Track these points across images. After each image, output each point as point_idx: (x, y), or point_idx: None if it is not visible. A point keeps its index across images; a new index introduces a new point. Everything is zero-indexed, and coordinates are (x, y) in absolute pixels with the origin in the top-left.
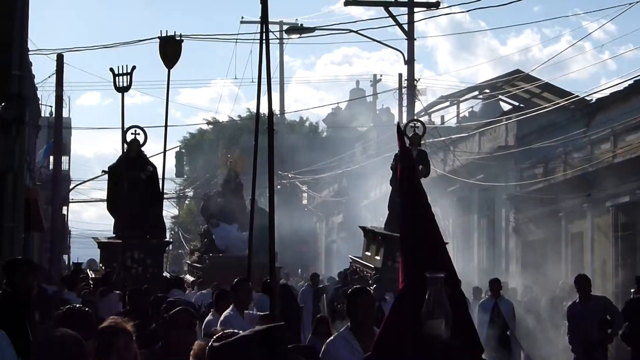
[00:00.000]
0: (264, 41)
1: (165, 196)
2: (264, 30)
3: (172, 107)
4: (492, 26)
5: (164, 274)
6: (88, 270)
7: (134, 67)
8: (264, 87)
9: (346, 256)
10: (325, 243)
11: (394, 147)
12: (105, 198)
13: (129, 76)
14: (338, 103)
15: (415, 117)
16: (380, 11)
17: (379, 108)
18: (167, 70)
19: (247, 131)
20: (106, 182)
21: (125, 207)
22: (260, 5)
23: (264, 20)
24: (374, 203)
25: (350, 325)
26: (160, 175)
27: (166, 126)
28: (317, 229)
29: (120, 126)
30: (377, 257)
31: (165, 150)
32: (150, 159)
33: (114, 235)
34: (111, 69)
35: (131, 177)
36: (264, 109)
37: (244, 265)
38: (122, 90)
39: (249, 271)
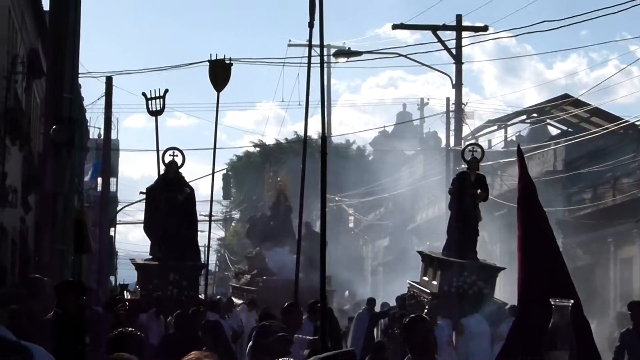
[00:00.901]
0: (313, 65)
1: (212, 218)
2: (321, 54)
3: (218, 130)
4: (539, 50)
5: (199, 296)
6: (125, 292)
7: (166, 91)
8: (311, 110)
9: (392, 279)
10: (371, 266)
11: (441, 171)
12: (143, 220)
13: (161, 99)
14: (385, 126)
15: (468, 141)
16: (426, 35)
17: (426, 132)
18: (215, 92)
19: (294, 154)
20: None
21: (161, 229)
22: (308, 30)
23: (321, 45)
24: (420, 227)
25: (411, 356)
26: (208, 198)
27: (215, 148)
28: (363, 252)
29: (155, 148)
30: (434, 282)
31: (213, 172)
32: (197, 181)
33: (150, 257)
34: (143, 93)
35: (168, 199)
36: (310, 132)
37: (299, 288)
38: (155, 113)
39: (296, 294)
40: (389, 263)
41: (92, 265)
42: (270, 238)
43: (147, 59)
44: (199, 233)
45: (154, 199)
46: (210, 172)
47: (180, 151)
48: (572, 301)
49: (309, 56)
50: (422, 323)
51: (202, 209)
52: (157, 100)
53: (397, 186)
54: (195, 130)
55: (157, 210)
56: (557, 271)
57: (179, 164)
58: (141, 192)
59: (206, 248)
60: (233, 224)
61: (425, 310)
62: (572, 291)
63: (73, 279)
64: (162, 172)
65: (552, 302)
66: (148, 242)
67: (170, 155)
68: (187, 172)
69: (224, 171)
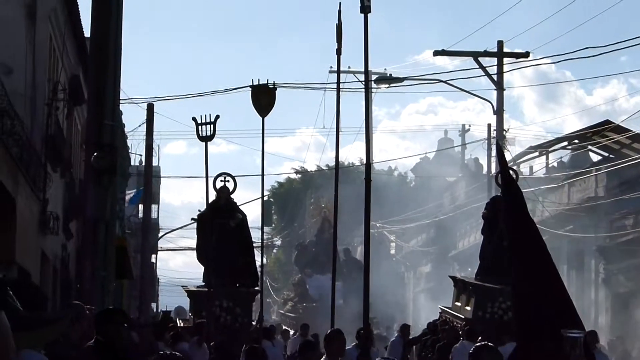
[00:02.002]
0: (356, 90)
1: (254, 245)
2: (366, 80)
3: (257, 156)
4: (578, 76)
5: (253, 323)
6: (177, 319)
7: (217, 117)
8: (352, 137)
9: (434, 306)
10: (413, 293)
11: (483, 197)
12: (195, 246)
13: (212, 125)
14: (426, 153)
15: (510, 167)
16: (466, 61)
17: (468, 158)
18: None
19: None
20: (194, 230)
21: (214, 255)
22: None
23: (366, 72)
24: (462, 253)
25: None
26: (258, 225)
27: (263, 175)
28: (405, 278)
29: (205, 175)
30: (468, 308)
31: (262, 198)
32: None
33: (203, 283)
34: (194, 119)
35: (220, 225)
36: (347, 158)
37: (338, 314)
38: (206, 139)
39: (332, 320)
40: (431, 290)
41: (133, 292)
42: (313, 265)
43: (187, 84)
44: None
45: (206, 225)
46: (253, 198)
47: (232, 177)
48: (583, 332)
49: (338, 82)
50: (488, 351)
51: None
52: (208, 126)
53: (439, 212)
54: (235, 157)
55: (209, 237)
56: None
57: (231, 189)
58: (192, 219)
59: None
60: (274, 250)
61: (460, 337)
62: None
63: (114, 307)
64: (212, 198)
65: (564, 333)
66: (190, 269)
67: (221, 181)
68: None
69: (266, 197)
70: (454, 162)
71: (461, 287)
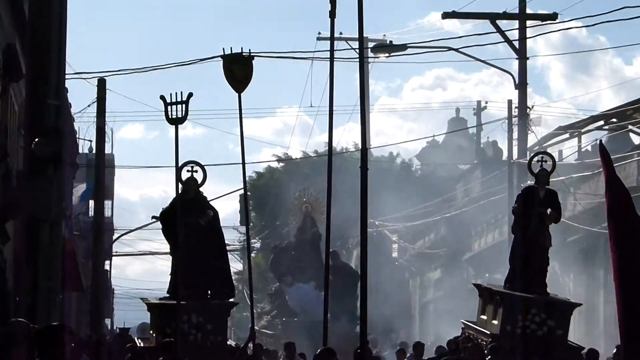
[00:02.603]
0: (349, 60)
1: (227, 248)
2: (360, 49)
3: (229, 141)
4: (615, 43)
5: (229, 342)
6: (137, 338)
7: (190, 95)
8: (342, 117)
9: (445, 319)
10: (420, 304)
11: (502, 189)
12: (168, 251)
13: (184, 105)
14: (434, 135)
15: (540, 150)
16: (479, 26)
17: (484, 141)
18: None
19: (325, 168)
20: (155, 231)
21: (180, 261)
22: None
23: (360, 39)
24: (478, 256)
25: None
26: (231, 224)
27: (244, 163)
28: (409, 286)
29: (175, 164)
30: (495, 322)
31: (245, 191)
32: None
33: (167, 295)
34: (162, 97)
35: (188, 225)
36: (339, 143)
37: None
38: (177, 122)
39: (325, 338)
40: (441, 299)
41: (83, 306)
42: (293, 272)
43: (147, 59)
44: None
45: (171, 225)
46: (226, 192)
47: (201, 166)
48: None
49: (332, 50)
50: None
51: None
52: (179, 106)
53: (450, 208)
54: (203, 142)
55: (175, 239)
56: None
57: (199, 181)
58: (153, 217)
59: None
60: (253, 254)
61: (485, 356)
62: None
63: (60, 323)
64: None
65: None
66: (150, 277)
67: (188, 171)
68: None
69: (242, 191)
70: (468, 147)
71: (487, 297)
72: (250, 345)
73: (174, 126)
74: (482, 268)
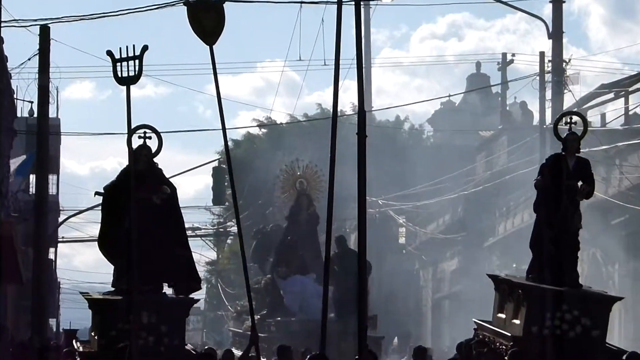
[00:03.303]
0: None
1: (198, 233)
2: None
3: (198, 102)
4: None
5: (187, 347)
6: (75, 342)
7: (144, 48)
8: (345, 72)
9: (461, 319)
10: (432, 300)
11: (534, 160)
12: (99, 234)
13: (137, 61)
14: (450, 96)
15: (572, 110)
16: None
17: (510, 103)
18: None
19: (318, 136)
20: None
21: (129, 247)
22: None
23: None
24: (504, 241)
25: None
26: (203, 204)
27: (224, 129)
28: (420, 279)
29: (127, 130)
30: (516, 322)
31: (230, 164)
32: (174, 179)
33: (113, 289)
34: (109, 53)
35: (139, 203)
36: (340, 105)
37: (328, 333)
38: (128, 81)
39: (322, 344)
40: (458, 295)
41: (23, 302)
42: (287, 261)
43: (99, 4)
44: None
45: (117, 203)
46: (199, 163)
47: (156, 131)
48: None
49: None
50: None
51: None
52: (131, 63)
53: (470, 183)
54: (165, 103)
55: (122, 220)
56: None
57: (154, 150)
58: (97, 193)
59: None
60: (229, 241)
61: None
62: None
63: None
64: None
65: None
66: (104, 269)
67: (140, 137)
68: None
69: (215, 163)
70: (491, 109)
71: (506, 292)
72: (253, 351)
73: (127, 86)
74: (508, 257)
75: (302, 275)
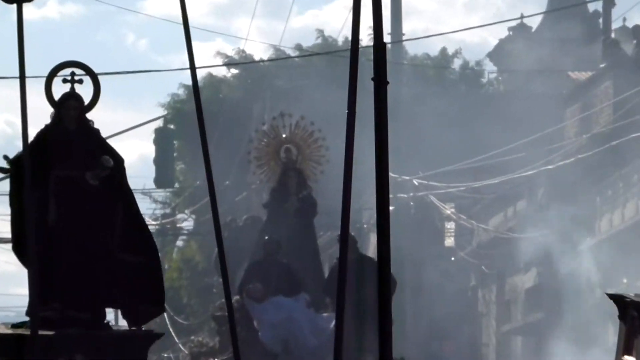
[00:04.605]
0: None
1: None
2: None
3: (127, 29)
4: None
5: None
6: None
7: None
8: None
9: None
10: (497, 336)
11: None
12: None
13: None
14: (522, 17)
15: None
16: None
17: (617, 27)
18: None
19: (318, 77)
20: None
21: (45, 254)
22: None
23: None
24: (610, 242)
25: None
26: (144, 184)
27: (193, 68)
28: (479, 302)
29: (19, 74)
30: None
31: (202, 125)
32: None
33: (28, 318)
34: None
35: (64, 181)
36: (343, 31)
37: None
38: None
39: None
40: (538, 326)
41: None
42: (264, 274)
43: None
44: None
45: (31, 182)
46: (139, 122)
47: (92, 73)
48: None
49: None
50: None
51: None
52: None
53: (556, 153)
54: (76, 30)
55: (44, 210)
56: None
57: (88, 101)
58: (2, 169)
59: None
60: (179, 242)
61: None
62: None
63: None
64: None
65: None
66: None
67: (65, 80)
68: None
69: (161, 122)
70: (588, 38)
71: (635, 321)
72: None
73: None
74: (617, 265)
75: (287, 297)
